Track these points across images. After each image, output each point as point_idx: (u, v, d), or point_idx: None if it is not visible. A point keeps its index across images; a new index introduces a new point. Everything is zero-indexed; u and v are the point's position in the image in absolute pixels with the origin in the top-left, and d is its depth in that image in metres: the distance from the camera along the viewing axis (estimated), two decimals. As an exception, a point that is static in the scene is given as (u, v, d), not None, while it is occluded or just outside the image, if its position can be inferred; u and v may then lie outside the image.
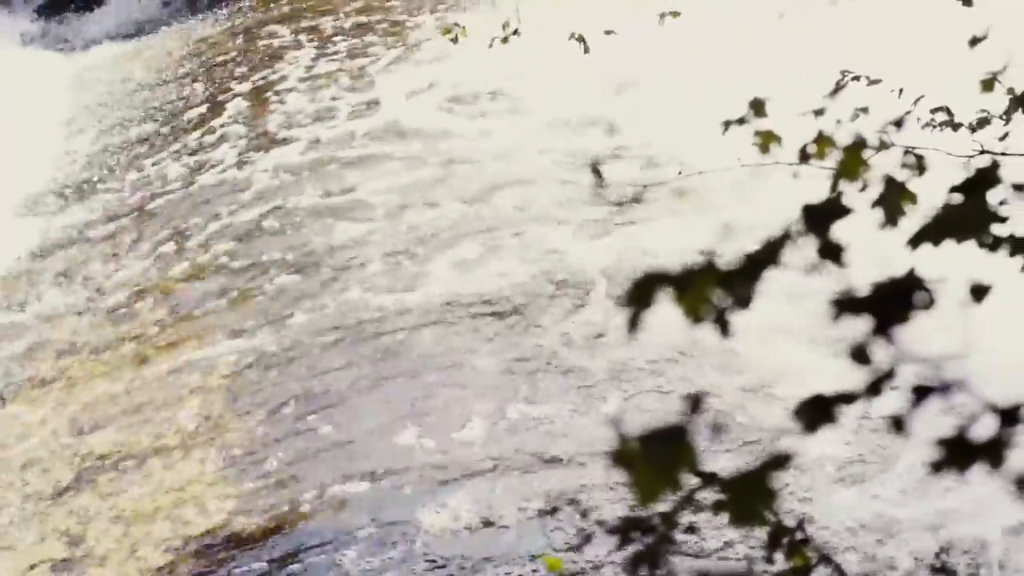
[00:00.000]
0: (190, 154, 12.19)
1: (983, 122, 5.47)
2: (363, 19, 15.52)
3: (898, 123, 2.57)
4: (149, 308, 9.37)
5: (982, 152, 4.62)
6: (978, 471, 1.67)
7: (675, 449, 1.57)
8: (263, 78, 14.00)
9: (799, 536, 2.61)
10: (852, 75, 5.97)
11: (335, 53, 14.41)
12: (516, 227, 9.63)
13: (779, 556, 2.64)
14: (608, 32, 7.84)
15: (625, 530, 2.13)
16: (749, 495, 1.68)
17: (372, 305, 8.79)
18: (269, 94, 13.42)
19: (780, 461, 1.65)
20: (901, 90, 6.07)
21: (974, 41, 3.41)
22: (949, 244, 1.95)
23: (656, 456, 1.55)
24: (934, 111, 5.68)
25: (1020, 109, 3.66)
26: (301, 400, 7.89)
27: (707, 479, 1.92)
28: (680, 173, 9.35)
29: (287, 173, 11.20)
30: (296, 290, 9.17)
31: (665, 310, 1.62)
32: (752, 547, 6.16)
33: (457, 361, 8.03)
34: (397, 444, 7.35)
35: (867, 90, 5.73)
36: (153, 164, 12.19)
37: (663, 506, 1.98)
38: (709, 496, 1.89)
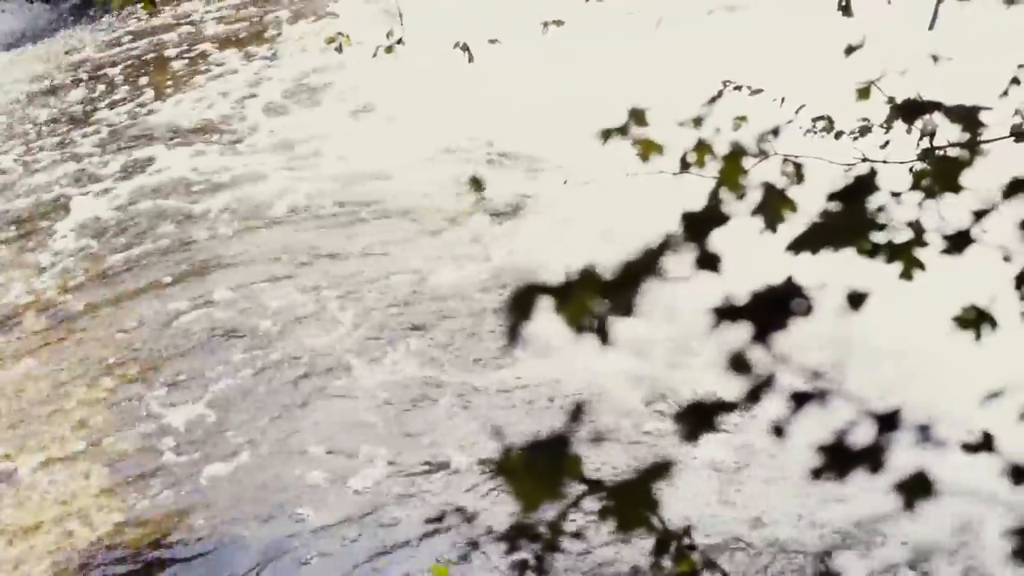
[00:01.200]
0: (74, 169, 12.05)
1: (864, 130, 5.55)
2: (245, 23, 15.45)
3: (775, 131, 2.59)
4: (32, 319, 9.23)
5: (863, 160, 4.68)
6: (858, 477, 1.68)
7: (558, 458, 1.57)
8: (142, 89, 13.89)
9: (686, 542, 2.62)
10: (733, 84, 6.04)
11: (211, 62, 14.33)
12: (400, 234, 9.64)
13: (667, 562, 2.64)
14: (492, 41, 7.84)
15: (512, 537, 2.13)
16: (633, 502, 1.68)
17: (257, 311, 8.75)
18: (150, 100, 13.32)
19: (663, 468, 1.65)
20: (783, 99, 6.15)
21: (849, 50, 3.45)
22: (828, 251, 1.97)
23: (539, 465, 1.55)
24: (816, 119, 5.77)
25: (900, 117, 3.70)
26: (189, 409, 7.82)
27: (592, 486, 1.91)
28: (565, 183, 9.40)
29: (171, 180, 11.13)
30: (182, 296, 9.10)
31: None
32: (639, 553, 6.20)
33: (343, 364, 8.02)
34: (285, 449, 7.32)
35: (750, 99, 5.80)
36: (33, 177, 12.02)
37: (550, 514, 1.98)
38: (594, 503, 1.89)
